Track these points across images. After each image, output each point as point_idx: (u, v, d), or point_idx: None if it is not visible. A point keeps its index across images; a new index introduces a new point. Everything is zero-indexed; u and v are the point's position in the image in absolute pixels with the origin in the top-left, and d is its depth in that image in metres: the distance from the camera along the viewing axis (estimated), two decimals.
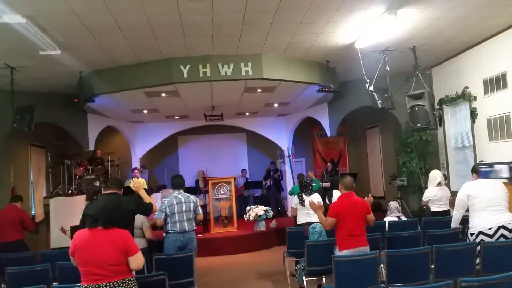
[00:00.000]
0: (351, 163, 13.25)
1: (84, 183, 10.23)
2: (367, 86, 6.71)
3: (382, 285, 3.69)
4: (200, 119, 10.68)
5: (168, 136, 11.61)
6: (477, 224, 4.14)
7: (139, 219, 4.59)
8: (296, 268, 4.99)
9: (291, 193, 7.78)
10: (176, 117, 10.70)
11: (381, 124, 11.13)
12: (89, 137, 8.99)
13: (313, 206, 4.39)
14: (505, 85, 6.40)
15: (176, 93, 7.62)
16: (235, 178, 9.90)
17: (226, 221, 9.31)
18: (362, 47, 6.50)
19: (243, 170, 12.66)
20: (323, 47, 6.68)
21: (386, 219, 5.75)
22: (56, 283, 4.16)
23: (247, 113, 10.90)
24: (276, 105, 9.66)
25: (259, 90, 7.89)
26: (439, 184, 6.02)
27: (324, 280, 4.48)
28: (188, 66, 6.62)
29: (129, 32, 5.48)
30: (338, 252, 3.95)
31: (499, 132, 6.59)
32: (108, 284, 2.74)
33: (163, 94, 7.67)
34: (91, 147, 9.15)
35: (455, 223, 4.58)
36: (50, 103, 8.15)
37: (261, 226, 8.93)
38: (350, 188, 4.10)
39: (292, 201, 6.14)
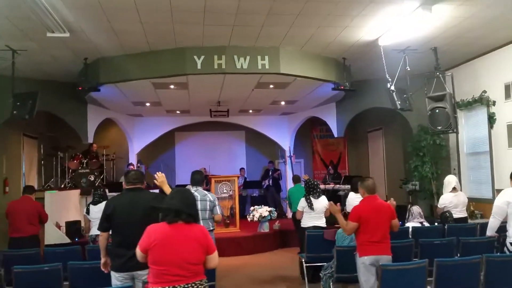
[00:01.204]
0: (350, 166, 13.08)
1: (78, 177, 9.75)
2: (388, 86, 6.49)
3: None
4: (202, 114, 10.34)
5: (167, 131, 11.21)
6: None
7: None
8: (321, 274, 4.69)
9: (288, 198, 7.21)
10: (178, 112, 10.31)
11: (385, 127, 10.97)
12: (88, 129, 8.52)
13: (332, 208, 4.11)
14: None
15: (185, 85, 7.24)
16: (238, 177, 9.59)
17: (228, 221, 9.00)
18: (385, 45, 6.27)
19: (242, 169, 12.31)
20: (344, 43, 6.43)
21: (409, 224, 5.52)
22: (67, 283, 3.81)
23: (250, 111, 10.58)
24: (283, 103, 9.38)
25: (271, 86, 7.58)
26: (454, 189, 5.83)
27: None
28: (202, 57, 6.27)
29: (147, 16, 5.10)
30: (357, 258, 3.73)
31: None
32: (186, 286, 2.46)
33: (172, 86, 7.29)
34: (90, 139, 8.70)
35: (491, 230, 4.34)
36: (48, 91, 7.64)
37: (265, 228, 8.65)
38: (373, 191, 3.86)
39: (299, 204, 5.83)
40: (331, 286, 4.37)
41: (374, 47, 6.49)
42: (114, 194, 5.94)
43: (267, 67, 6.44)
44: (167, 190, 3.67)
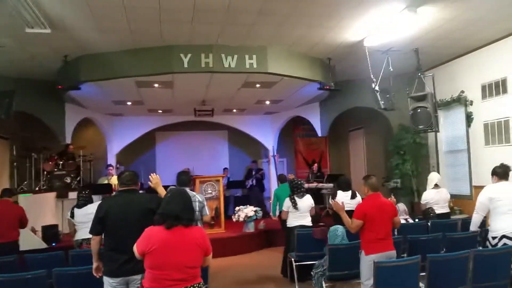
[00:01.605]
0: (331, 164, 13.24)
1: (54, 179, 9.38)
2: (373, 86, 6.60)
3: None
4: (185, 114, 10.15)
5: (147, 131, 10.97)
6: (500, 227, 4.07)
7: None
8: (312, 272, 4.71)
9: (275, 199, 7.15)
10: (160, 111, 10.10)
11: (366, 126, 11.16)
12: (66, 129, 8.20)
13: (337, 206, 4.11)
14: (504, 90, 6.51)
15: (170, 84, 7.10)
16: (223, 177, 9.50)
17: (213, 222, 8.90)
18: (370, 46, 6.36)
19: (225, 169, 12.22)
20: (330, 43, 6.48)
21: None
22: None
23: (234, 110, 10.51)
24: (268, 102, 9.37)
25: (258, 85, 7.55)
26: (436, 186, 6.01)
27: None
28: (189, 55, 6.16)
29: (134, 13, 4.96)
30: (364, 257, 3.75)
31: (496, 136, 6.70)
32: None
33: (156, 85, 7.13)
34: (68, 140, 8.38)
35: (474, 226, 4.47)
36: (24, 90, 7.29)
37: (251, 227, 8.61)
38: (376, 189, 3.91)
39: (284, 204, 5.82)
40: (323, 285, 4.38)
41: (359, 48, 6.56)
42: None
43: (254, 66, 6.40)
44: (162, 191, 3.60)
